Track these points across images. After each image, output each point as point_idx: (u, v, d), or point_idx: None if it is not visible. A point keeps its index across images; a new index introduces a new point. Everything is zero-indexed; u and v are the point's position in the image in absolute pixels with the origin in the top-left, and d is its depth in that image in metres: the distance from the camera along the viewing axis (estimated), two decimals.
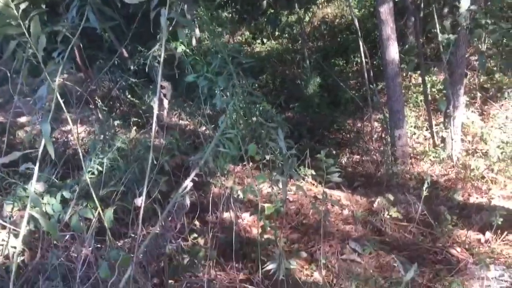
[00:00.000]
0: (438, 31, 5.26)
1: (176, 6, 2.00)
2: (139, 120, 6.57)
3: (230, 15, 9.85)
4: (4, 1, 1.65)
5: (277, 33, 10.95)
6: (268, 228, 3.96)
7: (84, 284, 2.14)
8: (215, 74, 2.49)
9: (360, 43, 6.52)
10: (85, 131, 6.71)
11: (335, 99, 8.25)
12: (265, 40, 11.04)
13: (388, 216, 4.41)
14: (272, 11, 9.71)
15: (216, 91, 2.57)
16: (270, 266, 2.81)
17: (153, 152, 2.10)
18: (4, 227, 2.34)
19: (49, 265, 2.24)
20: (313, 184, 5.46)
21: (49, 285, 2.21)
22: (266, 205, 3.67)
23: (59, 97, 1.75)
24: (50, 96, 2.15)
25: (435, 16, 5.27)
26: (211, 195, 4.12)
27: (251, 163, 5.39)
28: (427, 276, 3.52)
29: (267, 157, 3.73)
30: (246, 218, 4.47)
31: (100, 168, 2.61)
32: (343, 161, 6.52)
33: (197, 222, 4.04)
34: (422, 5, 7.73)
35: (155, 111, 1.96)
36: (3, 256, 2.28)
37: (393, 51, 5.29)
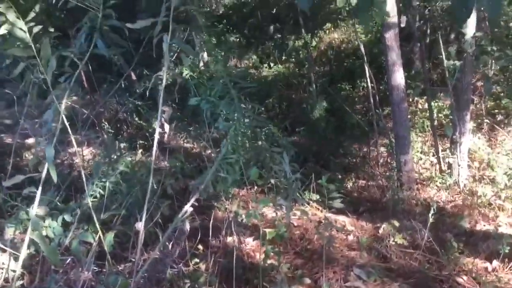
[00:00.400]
0: (444, 57, 5.28)
1: (179, 32, 2.03)
2: (145, 143, 6.61)
3: (238, 39, 9.97)
4: (15, 23, 1.68)
5: (284, 57, 11.04)
6: (271, 254, 3.93)
7: None
8: (218, 98, 2.51)
9: (366, 68, 6.56)
10: (91, 153, 6.75)
11: (341, 123, 8.26)
12: (272, 64, 11.14)
13: (394, 243, 4.35)
14: (279, 36, 9.83)
15: (219, 114, 2.58)
16: None
17: (157, 176, 2.10)
18: (5, 251, 2.34)
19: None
20: (318, 209, 5.42)
21: None
22: (268, 230, 3.63)
23: (65, 119, 1.76)
24: (56, 119, 2.17)
25: (441, 42, 5.30)
26: (214, 219, 4.11)
27: (256, 187, 5.40)
28: None
29: (272, 181, 3.72)
30: (250, 243, 4.42)
31: (102, 192, 2.62)
32: (349, 186, 6.48)
33: (200, 246, 4.01)
34: (428, 32, 7.80)
35: (156, 135, 1.97)
36: (3, 279, 2.27)
37: (398, 77, 5.30)
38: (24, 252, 1.71)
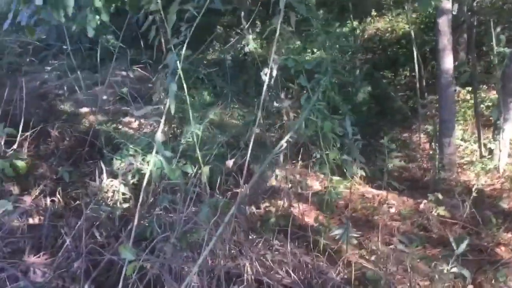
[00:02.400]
0: (494, 44, 5.48)
1: None
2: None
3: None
4: None
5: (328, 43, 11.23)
6: (320, 217, 4.28)
7: (187, 224, 2.50)
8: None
9: (415, 53, 6.77)
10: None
11: (383, 108, 8.49)
12: (315, 50, 11.34)
13: (436, 214, 4.63)
14: (324, 21, 10.03)
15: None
16: (337, 231, 3.11)
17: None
18: (115, 177, 2.75)
19: (159, 206, 2.62)
20: (360, 184, 5.73)
21: (158, 223, 2.59)
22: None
23: (180, 68, 2.12)
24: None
25: (492, 29, 5.50)
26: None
27: (300, 162, 5.73)
28: (472, 268, 3.73)
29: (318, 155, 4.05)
30: (301, 206, 4.78)
31: (198, 133, 2.97)
32: (389, 166, 6.73)
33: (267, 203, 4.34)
34: (475, 23, 7.92)
35: (266, 80, 2.31)
36: (113, 201, 2.68)
37: (448, 62, 5.53)
38: (148, 174, 2.07)
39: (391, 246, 4.17)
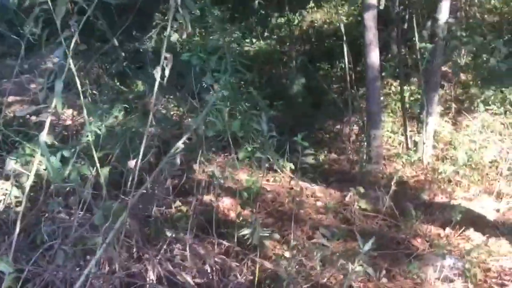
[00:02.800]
0: (417, 39, 5.61)
1: None
2: (127, 106, 6.78)
3: (222, 13, 10.10)
4: None
5: (266, 34, 11.23)
6: (245, 211, 4.24)
7: (81, 228, 2.38)
8: (208, 54, 2.76)
9: (345, 48, 6.85)
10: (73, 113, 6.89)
11: (317, 100, 8.58)
12: (254, 40, 11.32)
13: (358, 207, 4.71)
14: (263, 12, 10.01)
15: (208, 71, 2.82)
16: (245, 231, 3.07)
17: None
18: (7, 179, 2.57)
19: (49, 212, 2.47)
20: (291, 178, 5.74)
21: (49, 229, 2.44)
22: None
23: (71, 60, 1.99)
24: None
25: (415, 25, 5.62)
26: (193, 180, 4.38)
27: (233, 154, 5.68)
28: (388, 261, 3.83)
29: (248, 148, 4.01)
30: (225, 202, 4.72)
31: (98, 131, 2.84)
32: (321, 159, 6.82)
33: (179, 203, 4.28)
34: (407, 17, 8.12)
35: (158, 78, 2.21)
36: (4, 205, 2.51)
37: (374, 56, 5.61)
38: (31, 179, 1.94)
39: (313, 240, 4.21)
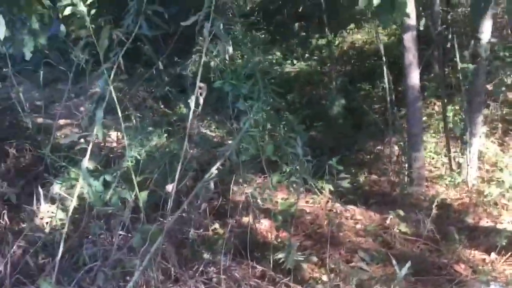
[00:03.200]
0: (458, 59, 5.52)
1: (216, 21, 2.35)
2: (170, 128, 6.98)
3: (263, 35, 10.27)
4: (77, 5, 2.03)
5: (306, 55, 11.31)
6: (283, 233, 4.25)
7: (120, 250, 2.47)
8: (241, 80, 2.84)
9: (384, 68, 6.81)
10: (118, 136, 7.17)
11: (358, 121, 8.52)
12: (295, 61, 11.42)
13: (398, 231, 4.64)
14: (304, 34, 10.10)
15: (242, 96, 2.90)
16: (280, 255, 3.09)
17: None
18: (53, 202, 2.72)
19: (92, 234, 2.59)
20: (330, 199, 5.72)
21: (90, 251, 2.56)
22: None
23: (113, 91, 2.11)
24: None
25: (456, 46, 5.54)
26: (231, 201, 4.44)
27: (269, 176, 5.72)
28: (428, 286, 3.74)
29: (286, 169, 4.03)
30: (264, 223, 4.76)
31: (138, 157, 2.96)
32: (361, 180, 6.74)
33: (217, 225, 4.34)
34: (449, 37, 7.99)
35: (192, 107, 2.30)
36: (50, 227, 2.65)
37: (414, 77, 5.56)
38: (74, 201, 2.06)
39: (352, 264, 4.17)
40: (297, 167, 3.08)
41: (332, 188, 5.50)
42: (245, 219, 4.62)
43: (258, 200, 4.59)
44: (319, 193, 5.55)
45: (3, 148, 4.84)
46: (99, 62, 2.45)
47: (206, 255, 3.10)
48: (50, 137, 5.83)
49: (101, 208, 2.56)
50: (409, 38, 5.47)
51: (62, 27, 3.22)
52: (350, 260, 4.27)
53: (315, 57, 11.49)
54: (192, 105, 2.27)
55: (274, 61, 12.30)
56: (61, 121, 8.21)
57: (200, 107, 2.32)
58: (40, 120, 7.30)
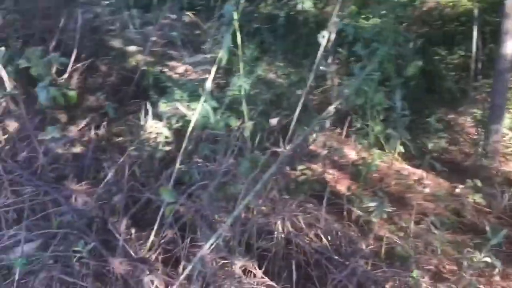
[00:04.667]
0: None
1: None
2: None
3: None
4: None
5: (383, 11, 10.88)
6: (353, 187, 4.27)
7: (225, 175, 2.55)
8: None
9: (474, 32, 6.50)
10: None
11: (432, 86, 8.24)
12: (370, 16, 11.02)
13: (472, 201, 4.55)
14: None
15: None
16: (372, 203, 3.11)
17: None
18: (160, 120, 2.80)
19: (201, 153, 2.68)
20: (397, 160, 5.64)
21: (197, 170, 2.65)
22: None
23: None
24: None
25: None
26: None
27: (338, 129, 5.66)
28: (500, 259, 3.68)
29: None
30: (335, 174, 4.78)
31: (246, 87, 2.97)
32: (430, 146, 6.59)
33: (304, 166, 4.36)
34: None
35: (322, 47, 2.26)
36: (155, 143, 2.74)
37: (509, 46, 5.28)
38: (196, 115, 2.08)
39: (421, 226, 4.15)
40: (395, 121, 3.02)
41: (402, 149, 5.45)
42: (314, 166, 4.64)
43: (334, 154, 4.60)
44: (390, 152, 5.49)
45: (94, 64, 4.97)
46: None
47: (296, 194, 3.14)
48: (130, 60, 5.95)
49: (212, 131, 2.63)
50: (511, 5, 5.16)
51: None
52: (418, 223, 4.25)
53: (392, 15, 11.04)
54: (324, 41, 2.23)
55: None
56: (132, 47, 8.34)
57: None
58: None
